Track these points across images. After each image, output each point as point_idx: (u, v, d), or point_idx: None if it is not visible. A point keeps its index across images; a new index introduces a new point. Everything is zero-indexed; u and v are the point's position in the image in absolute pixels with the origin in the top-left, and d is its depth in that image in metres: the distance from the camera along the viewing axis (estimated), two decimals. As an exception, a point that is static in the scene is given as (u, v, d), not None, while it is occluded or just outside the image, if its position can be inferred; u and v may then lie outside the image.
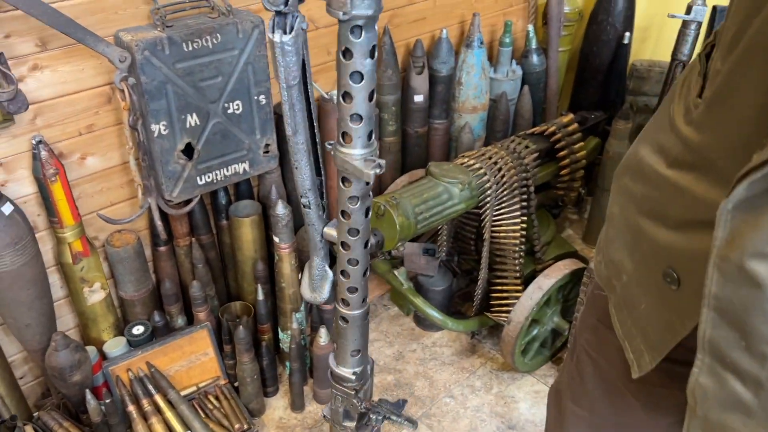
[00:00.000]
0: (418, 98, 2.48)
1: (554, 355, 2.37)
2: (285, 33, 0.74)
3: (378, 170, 0.78)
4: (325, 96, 2.15)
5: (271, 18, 0.75)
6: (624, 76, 2.87)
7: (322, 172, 0.94)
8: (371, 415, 1.08)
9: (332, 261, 0.96)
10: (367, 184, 0.81)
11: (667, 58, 2.76)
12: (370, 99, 0.75)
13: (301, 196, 0.90)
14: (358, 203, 0.85)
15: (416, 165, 2.61)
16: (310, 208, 0.90)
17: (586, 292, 1.17)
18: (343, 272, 0.94)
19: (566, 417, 1.23)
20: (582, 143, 2.44)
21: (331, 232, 0.93)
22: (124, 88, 1.71)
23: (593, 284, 1.10)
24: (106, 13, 1.74)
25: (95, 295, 1.98)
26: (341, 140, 0.79)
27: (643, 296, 0.84)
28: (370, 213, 0.87)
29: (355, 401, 1.07)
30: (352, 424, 1.11)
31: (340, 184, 0.84)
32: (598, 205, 2.81)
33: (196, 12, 1.87)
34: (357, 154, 0.78)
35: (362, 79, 0.73)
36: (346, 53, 0.71)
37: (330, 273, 0.99)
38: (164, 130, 1.82)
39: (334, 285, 0.98)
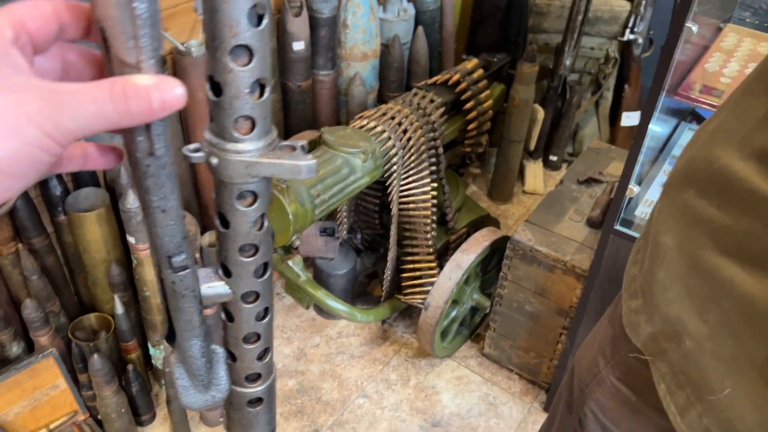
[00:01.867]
0: (298, 45, 2.06)
1: (473, 332, 2.14)
2: None
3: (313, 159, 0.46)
4: (180, 47, 1.69)
5: None
6: (525, 13, 2.60)
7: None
8: None
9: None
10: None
11: (567, -9, 2.52)
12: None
13: (170, 257, 0.51)
14: (265, 224, 0.52)
15: (302, 126, 2.22)
16: (188, 268, 0.52)
17: (613, 324, 0.83)
18: (246, 337, 0.59)
19: None
20: (488, 92, 2.15)
21: (215, 289, 0.56)
22: None
23: (613, 333, 0.79)
24: None
25: None
26: (233, 133, 0.44)
27: (727, 377, 0.54)
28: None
29: None
30: None
31: (236, 205, 0.48)
32: (504, 157, 2.57)
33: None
34: (263, 146, 0.46)
35: (261, 20, 0.42)
36: None
37: (219, 350, 0.62)
38: None
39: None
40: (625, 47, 2.61)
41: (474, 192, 2.73)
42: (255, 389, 0.65)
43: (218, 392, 0.62)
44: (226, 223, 0.51)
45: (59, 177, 1.65)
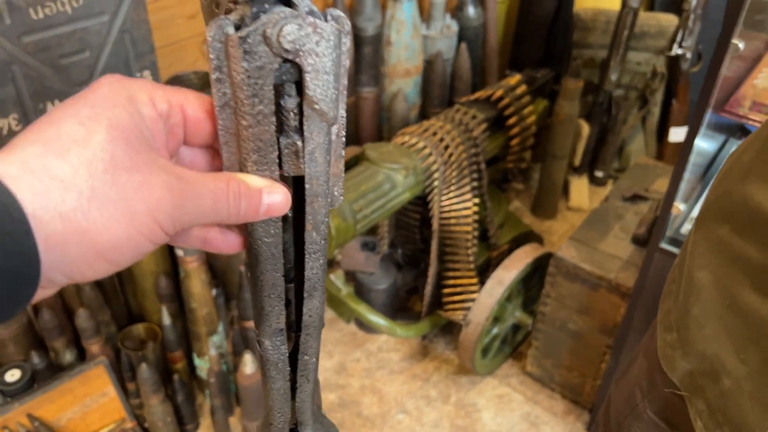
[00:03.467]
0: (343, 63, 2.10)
1: (515, 350, 2.12)
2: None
3: None
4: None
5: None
6: (569, 28, 2.58)
7: None
8: None
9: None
10: None
11: (613, 6, 2.49)
12: None
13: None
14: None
15: (346, 142, 2.25)
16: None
17: (644, 349, 0.81)
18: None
19: None
20: (531, 107, 2.14)
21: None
22: (-53, 73, 1.25)
23: (649, 366, 0.78)
24: None
25: (-51, 340, 1.54)
26: None
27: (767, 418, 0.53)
28: None
29: None
30: None
31: None
32: (548, 173, 2.54)
33: (45, -35, 1.41)
34: None
35: None
36: None
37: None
38: (16, 125, 1.38)
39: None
40: (673, 62, 2.56)
41: (517, 208, 2.71)
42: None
43: None
44: None
45: (112, 191, 1.71)
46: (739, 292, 0.55)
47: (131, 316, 1.94)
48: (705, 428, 0.63)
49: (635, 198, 1.88)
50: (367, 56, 2.18)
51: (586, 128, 2.54)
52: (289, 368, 0.54)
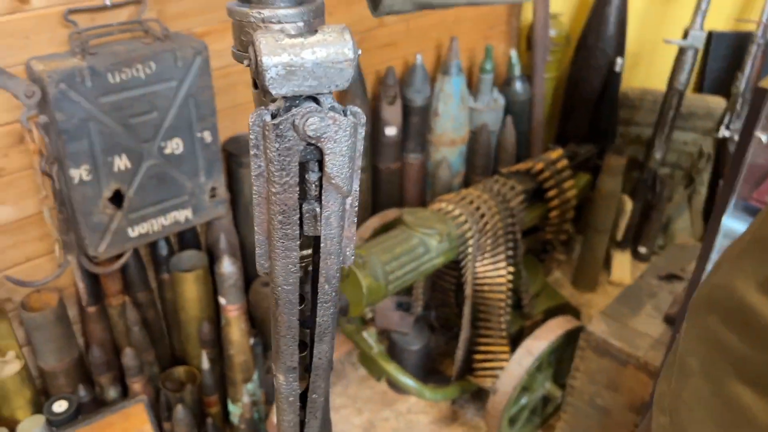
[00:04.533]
0: (390, 131, 2.22)
1: (545, 422, 2.10)
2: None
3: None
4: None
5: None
6: (615, 106, 2.64)
7: None
8: None
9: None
10: None
11: (660, 86, 2.55)
12: None
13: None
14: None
15: (388, 204, 2.34)
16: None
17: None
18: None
19: None
20: (572, 181, 2.19)
21: None
22: (33, 127, 1.42)
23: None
24: (14, 38, 1.45)
25: (8, 367, 1.66)
26: None
27: None
28: None
29: None
30: None
31: None
32: (589, 245, 2.56)
33: (126, 36, 1.59)
34: None
35: None
36: None
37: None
38: (87, 175, 1.53)
39: None
40: (721, 143, 2.58)
41: (558, 279, 2.72)
42: None
43: None
44: None
45: (167, 239, 1.84)
46: (724, 380, 0.59)
47: (174, 358, 2.04)
48: None
49: (670, 277, 1.89)
50: (414, 125, 2.29)
51: (629, 204, 2.56)
52: (299, 404, 0.62)
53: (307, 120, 0.47)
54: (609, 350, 1.72)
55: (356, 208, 0.55)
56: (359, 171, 0.53)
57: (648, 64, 2.78)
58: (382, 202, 2.35)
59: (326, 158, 0.49)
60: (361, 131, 0.51)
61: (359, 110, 0.50)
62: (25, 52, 1.47)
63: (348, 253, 0.57)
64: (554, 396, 1.96)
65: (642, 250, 2.77)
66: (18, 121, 1.51)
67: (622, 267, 2.71)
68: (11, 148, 1.54)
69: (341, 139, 0.48)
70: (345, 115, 0.48)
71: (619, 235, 2.64)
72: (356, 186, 0.53)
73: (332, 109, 0.48)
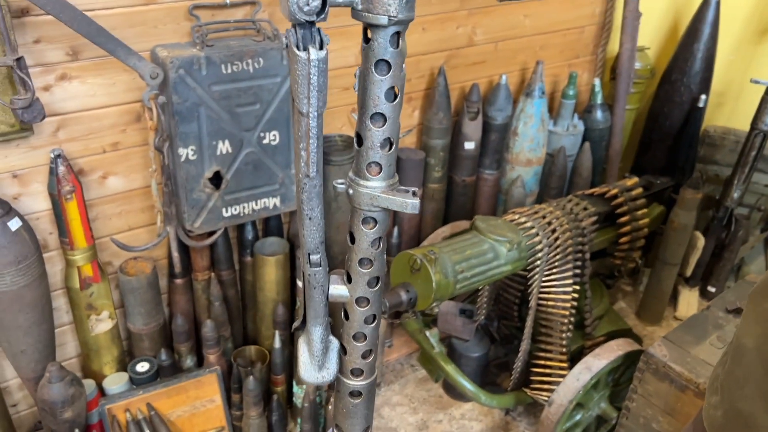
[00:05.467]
0: (469, 145, 2.31)
1: (597, 444, 2.11)
2: (317, 48, 0.60)
3: (418, 199, 0.67)
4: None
5: (291, 32, 0.61)
6: (696, 142, 2.65)
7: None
8: None
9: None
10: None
11: (744, 126, 2.54)
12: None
13: (309, 254, 0.73)
14: (381, 246, 0.73)
15: (460, 216, 2.42)
16: (320, 266, 0.74)
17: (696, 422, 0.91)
18: (356, 335, 0.77)
19: None
20: (645, 210, 2.22)
21: (339, 290, 0.76)
22: (153, 106, 1.58)
23: (696, 427, 0.87)
24: (145, 27, 1.63)
25: (101, 325, 1.83)
26: (366, 173, 0.66)
27: None
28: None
29: None
30: None
31: (361, 227, 0.70)
32: (657, 278, 2.56)
33: (240, 33, 1.75)
34: (386, 186, 0.68)
35: (396, 97, 0.64)
36: (381, 66, 0.62)
37: (335, 341, 0.81)
38: (192, 155, 1.68)
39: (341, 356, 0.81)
40: (803, 188, 2.54)
41: (622, 309, 2.72)
42: (357, 383, 0.82)
43: (328, 374, 0.81)
44: (353, 240, 0.72)
45: (253, 224, 1.98)
46: None
47: (246, 338, 2.17)
48: None
49: (738, 311, 1.88)
50: (493, 142, 2.37)
51: (701, 240, 2.55)
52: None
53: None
54: (669, 374, 1.74)
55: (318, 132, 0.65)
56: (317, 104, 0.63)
57: (733, 104, 2.77)
58: (454, 213, 2.43)
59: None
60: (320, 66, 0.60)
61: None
62: (152, 39, 1.64)
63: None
64: (609, 417, 1.97)
65: (711, 289, 2.73)
66: (137, 101, 1.68)
67: (689, 303, 2.69)
68: (129, 125, 1.71)
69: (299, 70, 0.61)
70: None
71: (688, 271, 2.62)
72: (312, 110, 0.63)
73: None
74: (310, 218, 0.69)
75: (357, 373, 0.82)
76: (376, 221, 0.71)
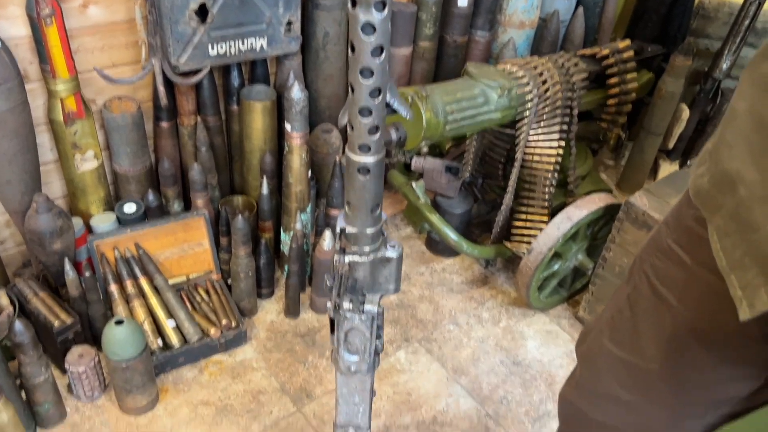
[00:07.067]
0: (462, 2, 2.25)
1: (571, 297, 2.20)
2: None
3: None
4: None
5: None
6: (690, 13, 2.60)
7: None
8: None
9: None
10: None
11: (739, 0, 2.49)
12: None
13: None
14: (382, 56, 0.70)
15: (449, 77, 2.39)
16: None
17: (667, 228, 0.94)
18: (361, 110, 0.77)
19: (599, 358, 1.04)
20: (635, 74, 2.21)
21: None
22: None
23: (679, 205, 0.90)
24: None
25: (87, 164, 1.81)
26: None
27: None
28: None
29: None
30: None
31: (361, 36, 0.69)
32: (640, 148, 2.59)
33: None
34: None
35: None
36: None
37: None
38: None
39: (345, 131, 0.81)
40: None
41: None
42: (365, 159, 0.82)
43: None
44: (353, 49, 0.70)
45: (239, 70, 1.94)
46: (766, 115, 0.67)
47: (233, 190, 2.17)
48: (719, 239, 0.75)
49: (719, 167, 1.92)
50: (486, 1, 2.31)
51: (686, 112, 2.57)
52: None
53: None
54: (647, 222, 1.79)
55: None
56: None
57: (730, -24, 2.71)
58: (444, 76, 2.40)
59: None
60: None
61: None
62: None
63: None
64: (586, 267, 2.05)
65: (691, 163, 2.78)
66: (119, -75, 1.59)
67: (669, 177, 2.74)
68: (110, -49, 1.63)
69: None
70: None
71: (671, 143, 2.66)
72: None
73: None
74: None
75: (365, 149, 0.82)
76: (373, 27, 0.68)
